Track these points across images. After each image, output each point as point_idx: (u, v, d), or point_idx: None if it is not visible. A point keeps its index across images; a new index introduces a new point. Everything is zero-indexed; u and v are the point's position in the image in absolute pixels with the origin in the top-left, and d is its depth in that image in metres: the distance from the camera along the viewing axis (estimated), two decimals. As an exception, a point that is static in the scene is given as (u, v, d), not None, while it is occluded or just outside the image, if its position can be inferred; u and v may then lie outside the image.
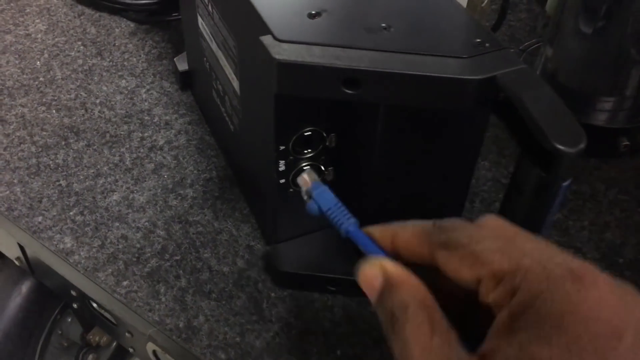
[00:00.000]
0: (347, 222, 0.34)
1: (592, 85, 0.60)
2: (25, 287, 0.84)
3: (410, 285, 0.27)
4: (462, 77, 0.34)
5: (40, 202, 0.54)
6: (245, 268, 0.49)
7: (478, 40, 0.36)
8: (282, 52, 0.34)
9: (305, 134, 0.42)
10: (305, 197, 0.38)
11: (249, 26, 0.40)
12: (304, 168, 0.43)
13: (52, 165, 0.57)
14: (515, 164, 0.36)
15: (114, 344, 0.87)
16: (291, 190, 0.45)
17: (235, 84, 0.47)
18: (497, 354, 0.23)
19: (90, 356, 0.87)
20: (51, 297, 0.82)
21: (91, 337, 0.85)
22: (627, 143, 0.59)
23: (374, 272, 0.29)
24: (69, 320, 0.86)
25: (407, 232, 0.30)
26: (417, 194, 0.43)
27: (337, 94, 0.35)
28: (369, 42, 0.36)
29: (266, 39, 0.35)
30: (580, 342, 0.21)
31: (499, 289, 0.25)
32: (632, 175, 0.59)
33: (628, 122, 0.60)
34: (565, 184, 0.33)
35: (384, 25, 0.37)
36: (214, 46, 0.50)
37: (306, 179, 0.39)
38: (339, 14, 0.38)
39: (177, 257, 0.50)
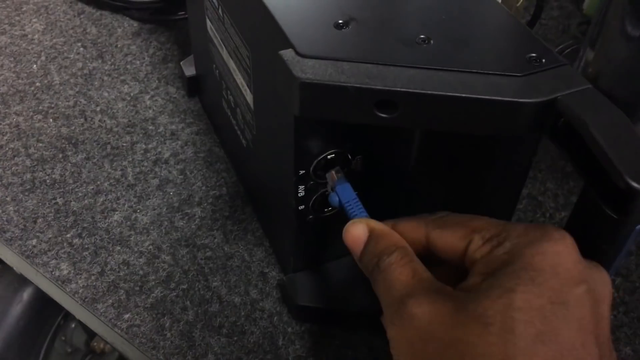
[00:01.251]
0: (360, 216, 0.35)
1: (638, 93, 0.55)
2: (26, 294, 0.82)
3: (394, 236, 0.31)
4: (516, 99, 0.29)
5: (35, 222, 0.49)
6: (259, 299, 0.45)
7: (532, 54, 0.31)
8: (305, 70, 0.29)
9: (329, 157, 0.37)
10: (329, 190, 0.38)
11: (265, 36, 0.35)
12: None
13: (48, 180, 0.52)
14: (578, 197, 0.31)
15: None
16: (311, 217, 0.40)
17: (249, 97, 0.42)
18: (477, 286, 0.27)
19: (94, 363, 0.85)
20: (54, 303, 0.80)
21: (95, 344, 0.83)
22: (676, 157, 0.54)
23: (360, 228, 0.32)
24: (73, 326, 0.85)
25: (405, 220, 0.33)
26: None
27: (369, 118, 0.30)
28: (405, 57, 0.31)
29: (287, 54, 0.30)
30: (546, 279, 0.26)
31: (486, 245, 0.29)
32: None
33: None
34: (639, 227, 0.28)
35: (422, 37, 0.32)
36: (224, 53, 0.45)
37: (334, 175, 0.37)
38: (370, 24, 0.33)
39: (184, 286, 0.45)
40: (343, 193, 0.36)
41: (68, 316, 0.82)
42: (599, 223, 0.29)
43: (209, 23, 0.47)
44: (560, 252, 0.27)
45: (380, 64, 0.30)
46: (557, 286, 0.26)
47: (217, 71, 0.49)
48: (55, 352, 0.84)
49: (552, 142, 0.30)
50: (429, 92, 0.29)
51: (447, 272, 0.31)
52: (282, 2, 0.34)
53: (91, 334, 0.82)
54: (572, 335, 0.25)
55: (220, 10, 0.43)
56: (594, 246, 0.30)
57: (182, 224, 0.49)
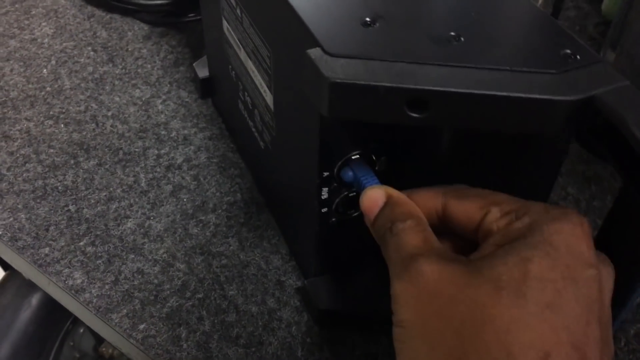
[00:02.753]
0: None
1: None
2: (35, 299, 0.82)
3: (411, 205, 0.31)
4: (553, 97, 0.28)
5: (47, 230, 0.48)
6: (277, 308, 0.44)
7: (567, 51, 0.30)
8: (335, 70, 0.28)
9: (353, 157, 0.36)
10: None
11: (288, 35, 0.34)
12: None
13: (60, 187, 0.51)
14: (618, 195, 0.29)
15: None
16: (334, 219, 0.39)
17: (269, 98, 0.41)
18: (492, 254, 0.27)
19: (103, 368, 0.84)
20: (62, 308, 0.79)
21: (104, 349, 0.83)
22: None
23: (378, 192, 0.32)
24: (81, 331, 0.85)
25: (423, 189, 0.32)
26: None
27: (400, 118, 0.29)
28: (436, 55, 0.29)
29: (314, 53, 0.29)
30: (560, 255, 0.26)
31: (504, 218, 0.29)
32: None
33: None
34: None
35: (452, 34, 0.31)
36: (242, 54, 0.44)
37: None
38: (399, 21, 0.31)
39: (200, 295, 0.44)
40: (358, 168, 0.36)
41: (77, 321, 0.82)
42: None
43: (225, 24, 0.46)
44: (577, 234, 0.27)
45: (411, 62, 0.29)
46: (571, 264, 0.26)
47: (234, 72, 0.48)
48: (64, 357, 0.83)
49: (583, 144, 0.29)
50: (461, 90, 0.28)
51: (460, 245, 0.31)
52: (308, 1, 0.32)
53: (99, 339, 0.81)
54: (579, 312, 0.25)
55: (238, 10, 0.42)
56: (634, 245, 0.28)
57: (196, 231, 0.48)
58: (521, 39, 0.31)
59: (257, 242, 0.48)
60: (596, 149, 0.29)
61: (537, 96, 0.28)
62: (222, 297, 0.44)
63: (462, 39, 0.30)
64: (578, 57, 0.30)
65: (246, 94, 0.46)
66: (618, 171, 0.28)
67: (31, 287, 0.77)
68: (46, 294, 0.74)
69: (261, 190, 0.51)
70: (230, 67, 0.48)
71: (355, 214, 0.39)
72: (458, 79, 0.28)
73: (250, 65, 0.43)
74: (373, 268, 0.44)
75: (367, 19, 0.31)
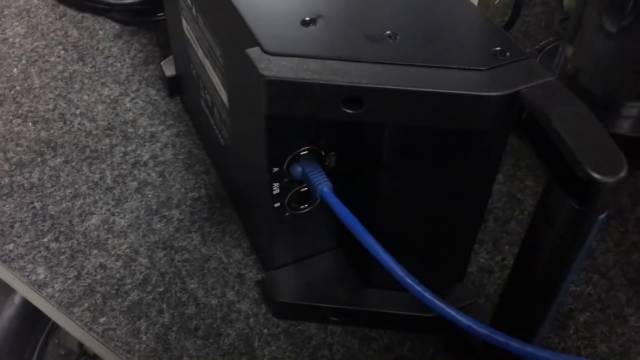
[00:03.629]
0: (323, 185, 0.36)
1: (616, 89, 0.55)
2: (17, 297, 0.82)
3: None
4: (479, 93, 0.29)
5: (12, 227, 0.49)
6: (236, 300, 0.45)
7: (497, 48, 0.31)
8: (271, 68, 0.29)
9: (302, 153, 0.37)
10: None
11: (235, 35, 0.35)
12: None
13: (26, 185, 0.52)
14: (543, 190, 0.31)
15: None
16: (287, 214, 0.40)
17: (224, 95, 0.42)
18: None
19: (88, 365, 0.85)
20: None
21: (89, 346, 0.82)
22: (655, 153, 0.54)
23: None
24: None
25: None
26: (426, 217, 0.38)
27: (336, 114, 0.30)
28: (371, 53, 0.31)
29: (253, 52, 0.30)
30: None
31: None
32: (660, 189, 0.54)
33: (655, 129, 0.55)
34: (602, 216, 0.28)
35: (388, 32, 0.32)
36: (200, 53, 0.45)
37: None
38: (337, 21, 0.32)
39: (161, 289, 0.45)
40: (306, 164, 0.37)
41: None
42: (563, 214, 0.29)
43: (184, 23, 0.47)
44: None
45: (346, 60, 0.30)
46: None
47: (195, 71, 0.49)
48: (49, 354, 0.84)
49: (517, 135, 0.30)
50: (394, 87, 0.29)
51: None
52: (250, 0, 0.33)
53: (84, 337, 0.82)
54: None
55: (194, 10, 0.43)
56: (561, 238, 0.30)
57: (159, 226, 0.49)
58: (455, 37, 0.32)
59: (220, 237, 0.49)
60: (524, 141, 0.30)
61: (465, 92, 0.29)
62: (182, 290, 0.45)
63: (398, 37, 0.32)
64: (508, 54, 0.31)
65: (206, 92, 0.47)
66: (541, 164, 0.29)
67: (13, 285, 0.77)
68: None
69: (225, 186, 0.52)
70: (191, 65, 0.49)
71: (308, 209, 0.41)
72: (391, 76, 0.30)
73: (207, 64, 0.44)
74: (328, 261, 0.45)
75: (307, 18, 0.32)
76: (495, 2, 0.55)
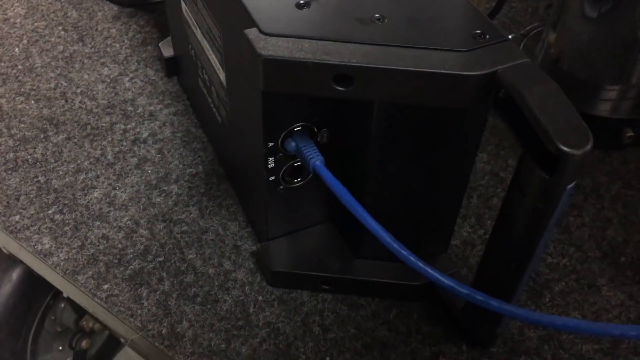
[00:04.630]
0: (315, 159, 0.38)
1: (596, 73, 0.57)
2: (15, 274, 0.83)
3: None
4: (460, 72, 0.31)
5: (18, 200, 0.51)
6: (232, 269, 0.47)
7: (478, 31, 0.33)
8: (268, 47, 0.32)
9: (296, 129, 0.39)
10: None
11: (233, 16, 0.37)
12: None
13: (30, 160, 0.54)
14: (517, 163, 0.33)
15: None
16: (281, 187, 0.43)
17: (222, 75, 0.44)
18: None
19: (84, 342, 0.87)
20: (43, 283, 0.82)
21: (84, 322, 0.85)
22: (632, 134, 0.57)
23: None
24: (62, 305, 0.86)
25: None
26: (412, 191, 0.41)
27: (328, 91, 0.32)
28: (361, 34, 0.33)
29: (251, 32, 0.33)
30: None
31: None
32: (635, 168, 0.56)
33: (632, 112, 0.57)
34: (570, 186, 0.31)
35: (377, 15, 0.34)
36: (199, 34, 0.47)
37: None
38: (330, 4, 0.35)
39: (161, 259, 0.48)
40: (300, 139, 0.39)
41: (57, 296, 0.84)
42: (535, 184, 0.31)
43: (184, 5, 0.49)
44: None
45: (338, 40, 0.32)
46: None
47: (193, 51, 0.51)
48: (45, 331, 0.85)
49: (495, 112, 0.33)
50: (382, 66, 0.31)
51: None
52: (247, -17, 0.36)
53: (81, 313, 0.84)
54: None
55: (192, -7, 0.45)
56: (533, 207, 0.32)
57: (159, 200, 0.52)
58: (439, 20, 0.35)
59: (216, 210, 0.51)
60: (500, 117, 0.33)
61: (447, 71, 0.31)
62: (181, 260, 0.48)
63: (386, 20, 0.34)
64: (487, 36, 0.33)
65: (204, 71, 0.49)
66: (515, 138, 0.32)
67: (11, 261, 0.79)
68: (26, 269, 0.76)
69: (221, 163, 0.54)
70: (190, 46, 0.51)
71: (301, 183, 0.43)
72: (379, 56, 0.32)
73: (205, 45, 0.46)
74: (320, 233, 0.47)
75: (301, 1, 0.35)
76: (482, -11, 0.58)
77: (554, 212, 0.32)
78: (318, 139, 0.40)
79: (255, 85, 0.35)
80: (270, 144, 0.40)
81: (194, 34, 0.48)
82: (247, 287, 0.46)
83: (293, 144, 0.39)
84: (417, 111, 0.36)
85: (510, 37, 0.64)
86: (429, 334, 0.44)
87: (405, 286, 0.45)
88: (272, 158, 0.41)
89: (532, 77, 0.31)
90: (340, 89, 0.32)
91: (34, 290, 0.83)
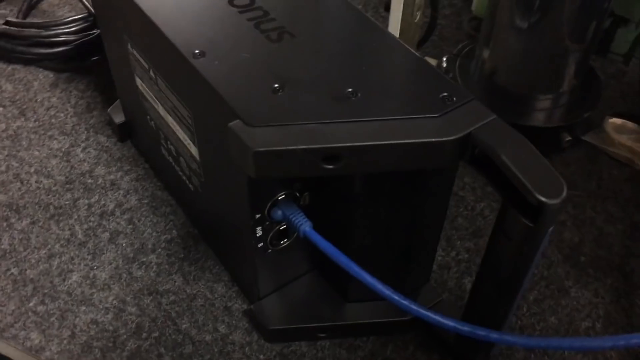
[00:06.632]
0: (304, 225, 0.40)
1: (530, 84, 0.61)
2: None
3: None
4: (437, 139, 0.34)
5: (-6, 297, 0.50)
6: (228, 333, 0.48)
7: (445, 93, 0.36)
8: (257, 140, 0.33)
9: (279, 198, 0.41)
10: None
11: (207, 104, 0.38)
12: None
13: (-2, 252, 0.53)
14: (499, 210, 0.36)
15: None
16: (269, 251, 0.44)
17: (193, 149, 0.45)
18: None
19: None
20: None
21: None
22: (570, 138, 0.62)
23: None
24: None
25: None
26: (395, 235, 0.43)
27: (317, 171, 0.34)
28: (341, 112, 0.35)
29: (237, 126, 0.34)
30: None
31: None
32: (577, 168, 0.61)
33: (566, 118, 0.62)
34: (551, 229, 0.34)
35: (349, 90, 0.36)
36: (161, 110, 0.47)
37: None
38: (302, 84, 0.36)
39: (155, 334, 0.48)
40: (286, 207, 0.41)
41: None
42: (519, 231, 0.34)
43: (138, 80, 0.49)
44: None
45: (319, 122, 0.34)
46: None
47: (153, 123, 0.51)
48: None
49: (472, 168, 0.35)
50: (367, 143, 0.33)
51: None
52: (220, 74, 0.37)
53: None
54: None
55: (151, 72, 0.45)
56: (519, 249, 0.35)
57: (140, 273, 0.52)
58: (406, 87, 0.37)
59: (200, 274, 0.52)
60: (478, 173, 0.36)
61: (425, 140, 0.34)
62: (176, 331, 0.48)
63: (359, 94, 0.36)
64: (454, 98, 0.36)
65: (169, 142, 0.50)
66: (496, 191, 0.35)
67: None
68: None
69: (195, 225, 0.55)
70: (148, 117, 0.52)
71: (287, 243, 0.45)
72: (363, 133, 0.34)
73: (170, 120, 0.46)
74: (307, 283, 0.49)
75: (276, 85, 0.36)
76: (416, 20, 0.61)
77: (538, 252, 0.35)
78: (300, 203, 0.42)
79: (239, 167, 0.36)
80: (257, 216, 0.41)
81: (154, 108, 0.49)
82: (246, 348, 0.47)
83: (279, 212, 0.41)
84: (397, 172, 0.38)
85: (445, 58, 0.68)
86: (426, 364, 0.47)
87: (397, 322, 0.47)
88: (260, 227, 0.42)
89: (502, 133, 0.34)
90: (328, 167, 0.34)
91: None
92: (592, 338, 0.34)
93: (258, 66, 0.38)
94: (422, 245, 0.45)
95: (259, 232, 0.42)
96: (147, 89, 0.48)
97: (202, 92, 0.38)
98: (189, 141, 0.45)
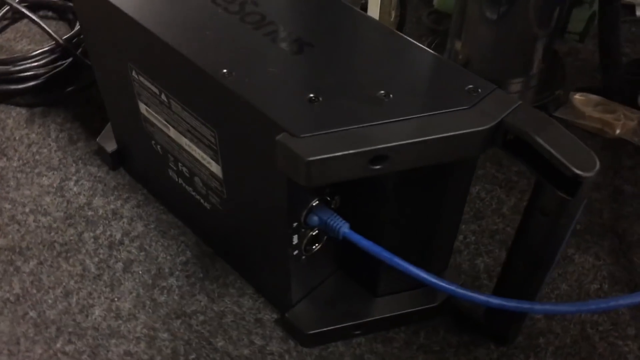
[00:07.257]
0: (343, 227, 0.42)
1: (502, 69, 0.65)
2: None
3: None
4: (475, 129, 0.36)
5: (19, 344, 0.48)
6: (265, 344, 0.49)
7: (470, 86, 0.38)
8: (308, 150, 0.34)
9: (314, 204, 0.42)
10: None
11: (241, 121, 0.39)
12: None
13: (11, 298, 0.51)
14: (533, 189, 0.39)
15: None
16: (303, 257, 0.45)
17: (215, 167, 0.45)
18: None
19: None
20: None
21: None
22: (545, 116, 0.65)
23: None
24: None
25: None
26: (423, 225, 0.45)
27: (365, 172, 0.36)
28: (379, 114, 0.36)
29: (285, 138, 0.35)
30: None
31: None
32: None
33: (537, 98, 0.66)
34: (585, 201, 0.37)
35: (382, 92, 0.38)
36: (172, 133, 0.47)
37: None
38: (335, 92, 0.38)
39: (193, 356, 0.48)
40: (322, 213, 0.42)
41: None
42: (556, 205, 0.37)
43: (143, 106, 0.49)
44: None
45: (361, 126, 0.36)
46: None
47: (159, 147, 0.51)
48: None
49: (505, 152, 0.38)
50: (411, 140, 0.35)
51: None
52: (254, 90, 0.37)
53: None
54: None
55: (163, 96, 0.45)
56: (556, 224, 0.38)
57: (163, 298, 0.51)
58: (432, 84, 0.39)
59: (224, 291, 0.52)
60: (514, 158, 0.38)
61: (463, 131, 0.36)
62: (213, 350, 0.48)
63: (391, 95, 0.37)
64: (479, 89, 0.38)
65: (180, 164, 0.50)
66: (531, 171, 0.37)
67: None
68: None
69: (209, 243, 0.55)
70: (153, 142, 0.51)
71: (319, 247, 0.46)
72: (403, 132, 0.36)
73: (185, 142, 0.46)
74: (335, 284, 0.50)
75: (311, 95, 0.37)
76: (392, 19, 0.63)
77: (573, 224, 0.38)
78: (332, 206, 0.43)
79: (280, 178, 0.37)
80: (295, 224, 0.42)
81: (162, 132, 0.49)
82: (286, 356, 0.48)
83: (315, 218, 0.42)
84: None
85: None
86: (459, 345, 0.49)
87: (426, 309, 0.49)
88: (296, 235, 0.43)
89: (531, 116, 0.37)
90: (376, 167, 0.36)
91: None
92: (618, 297, 0.38)
93: (288, 79, 0.39)
94: (446, 233, 0.47)
95: (295, 240, 0.43)
96: (154, 114, 0.48)
97: (235, 110, 0.38)
98: (209, 159, 0.45)
